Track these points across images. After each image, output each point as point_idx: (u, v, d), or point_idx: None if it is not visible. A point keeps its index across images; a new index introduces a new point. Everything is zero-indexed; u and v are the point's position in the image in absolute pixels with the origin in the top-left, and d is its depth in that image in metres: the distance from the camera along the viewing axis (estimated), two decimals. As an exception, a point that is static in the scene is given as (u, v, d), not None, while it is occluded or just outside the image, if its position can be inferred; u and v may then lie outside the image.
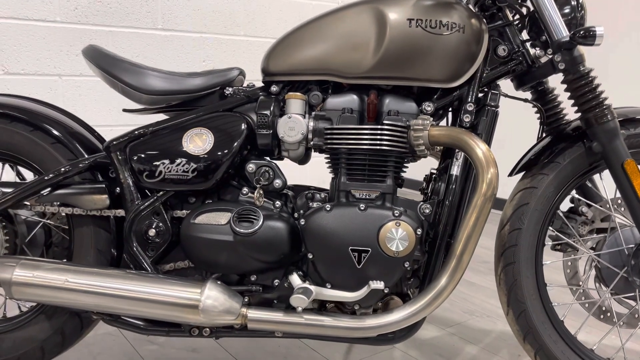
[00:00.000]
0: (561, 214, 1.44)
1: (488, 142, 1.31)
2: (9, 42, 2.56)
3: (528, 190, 1.38)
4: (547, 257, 1.43)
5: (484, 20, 1.32)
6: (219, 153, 1.30)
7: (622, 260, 1.38)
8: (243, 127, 1.31)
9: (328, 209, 1.25)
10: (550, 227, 1.44)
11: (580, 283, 1.46)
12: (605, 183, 1.43)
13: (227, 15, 3.20)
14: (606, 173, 1.37)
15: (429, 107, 1.31)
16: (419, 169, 2.28)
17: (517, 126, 2.99)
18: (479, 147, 1.19)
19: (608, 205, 1.42)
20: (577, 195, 1.47)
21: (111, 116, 2.88)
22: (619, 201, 1.41)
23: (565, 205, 1.46)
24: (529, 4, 1.35)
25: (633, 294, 1.39)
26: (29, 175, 1.50)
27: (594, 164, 1.37)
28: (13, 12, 2.54)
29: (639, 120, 1.36)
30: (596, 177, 1.47)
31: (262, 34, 3.35)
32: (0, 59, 2.55)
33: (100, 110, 2.85)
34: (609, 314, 1.45)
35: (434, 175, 1.42)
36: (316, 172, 3.64)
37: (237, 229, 1.24)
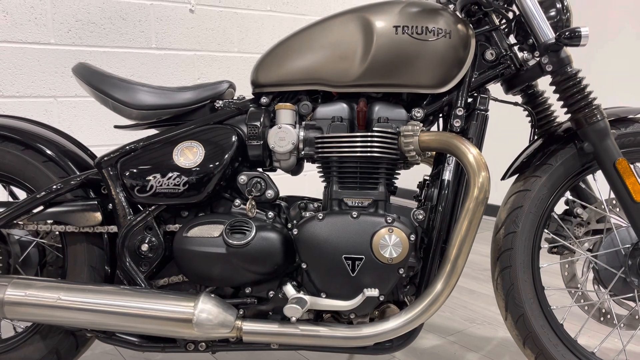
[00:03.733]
0: (556, 216, 1.43)
1: (479, 146, 1.31)
2: (4, 65, 2.57)
3: (521, 193, 1.38)
4: (544, 260, 1.42)
5: (471, 25, 1.33)
6: (210, 165, 1.30)
7: (620, 261, 1.37)
8: (233, 139, 1.31)
9: (320, 217, 1.25)
10: (545, 230, 1.43)
11: (579, 285, 1.45)
12: (599, 184, 1.43)
13: (221, 33, 3.22)
14: (600, 174, 1.36)
15: (418, 113, 1.31)
16: (414, 179, 2.28)
17: (508, 129, 2.99)
18: (470, 152, 1.19)
19: (603, 206, 1.41)
20: (571, 197, 1.47)
21: (107, 136, 2.89)
22: (614, 201, 1.40)
23: (560, 207, 1.46)
24: (514, 8, 1.36)
25: (632, 294, 1.37)
26: (22, 195, 1.50)
27: (586, 164, 1.36)
28: (7, 36, 2.56)
29: (629, 119, 1.37)
30: (590, 178, 1.47)
31: (256, 50, 3.37)
32: (-5, 82, 2.56)
33: (96, 130, 2.86)
34: (608, 316, 1.43)
35: (427, 182, 1.42)
36: (314, 186, 3.64)
37: (230, 241, 1.23)
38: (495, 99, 1.42)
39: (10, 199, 1.56)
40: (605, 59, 2.98)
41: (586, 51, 2.75)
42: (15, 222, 1.37)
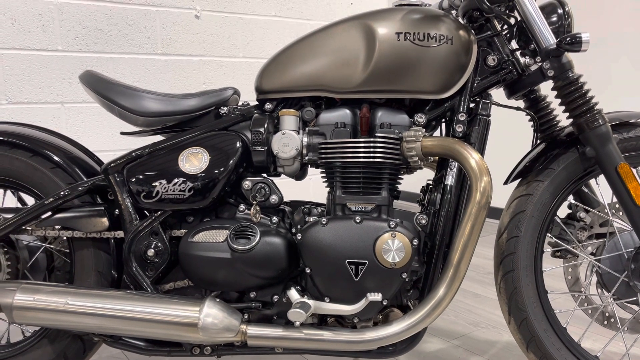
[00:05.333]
0: (559, 220, 1.44)
1: (481, 151, 1.32)
2: (12, 72, 2.61)
3: (524, 198, 1.39)
4: (547, 264, 1.42)
5: (472, 31, 1.34)
6: (215, 171, 1.31)
7: (623, 265, 1.37)
8: (238, 145, 1.33)
9: (324, 222, 1.26)
10: (548, 234, 1.44)
11: (582, 289, 1.46)
12: (601, 188, 1.43)
13: (226, 38, 3.25)
14: (602, 178, 1.37)
15: (421, 118, 1.32)
16: (418, 181, 2.29)
17: (511, 134, 3.00)
18: (472, 157, 1.20)
19: (606, 210, 1.42)
20: (574, 201, 1.47)
21: (113, 141, 2.91)
22: (616, 205, 1.41)
23: (563, 211, 1.46)
24: (516, 14, 1.37)
25: (635, 298, 1.38)
26: (30, 201, 1.53)
27: (588, 169, 1.37)
28: (15, 43, 2.60)
29: (631, 124, 1.37)
30: (592, 182, 1.47)
31: (261, 55, 3.39)
32: (3, 89, 2.60)
33: (103, 136, 2.89)
34: (612, 320, 1.43)
35: (430, 186, 1.43)
36: (318, 190, 3.66)
37: (235, 246, 1.25)
38: (498, 104, 1.43)
39: (19, 205, 1.58)
40: (606, 63, 2.98)
41: (588, 56, 2.76)
42: (23, 227, 1.39)
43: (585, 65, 2.20)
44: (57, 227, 1.39)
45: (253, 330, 1.26)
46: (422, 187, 1.50)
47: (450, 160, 1.31)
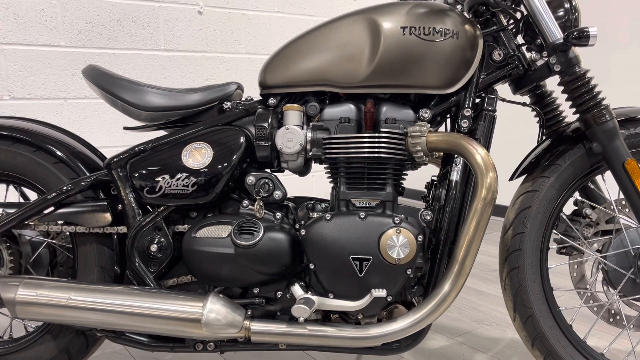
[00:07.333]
0: (565, 217, 1.43)
1: (486, 146, 1.31)
2: (15, 67, 2.60)
3: (530, 194, 1.38)
4: (553, 261, 1.41)
5: (478, 25, 1.32)
6: (219, 166, 1.30)
7: (629, 262, 1.36)
8: (242, 140, 1.32)
9: (328, 218, 1.25)
10: (554, 231, 1.42)
11: (588, 286, 1.45)
12: (608, 184, 1.42)
13: (229, 34, 3.23)
14: (609, 174, 1.36)
15: (426, 113, 1.31)
16: (422, 179, 2.28)
17: (516, 130, 2.98)
18: (478, 152, 1.19)
19: (612, 207, 1.41)
20: (580, 198, 1.46)
21: (117, 136, 2.91)
22: (623, 202, 1.40)
23: (569, 208, 1.45)
24: (522, 8, 1.35)
25: (641, 295, 1.37)
26: (33, 196, 1.52)
27: (595, 165, 1.36)
28: (18, 39, 2.59)
29: (639, 119, 1.36)
30: (599, 178, 1.46)
31: (264, 51, 3.38)
32: (6, 84, 2.59)
33: (105, 131, 2.88)
34: (618, 317, 1.42)
35: (435, 182, 1.42)
36: (322, 187, 3.65)
37: (238, 242, 1.24)
38: (503, 100, 1.42)
39: (22, 200, 1.58)
40: (614, 58, 2.96)
41: (595, 51, 2.74)
42: (26, 222, 1.38)
43: (592, 61, 2.19)
44: (59, 222, 1.39)
45: (256, 326, 1.25)
46: (427, 183, 1.48)
47: (455, 155, 1.30)
